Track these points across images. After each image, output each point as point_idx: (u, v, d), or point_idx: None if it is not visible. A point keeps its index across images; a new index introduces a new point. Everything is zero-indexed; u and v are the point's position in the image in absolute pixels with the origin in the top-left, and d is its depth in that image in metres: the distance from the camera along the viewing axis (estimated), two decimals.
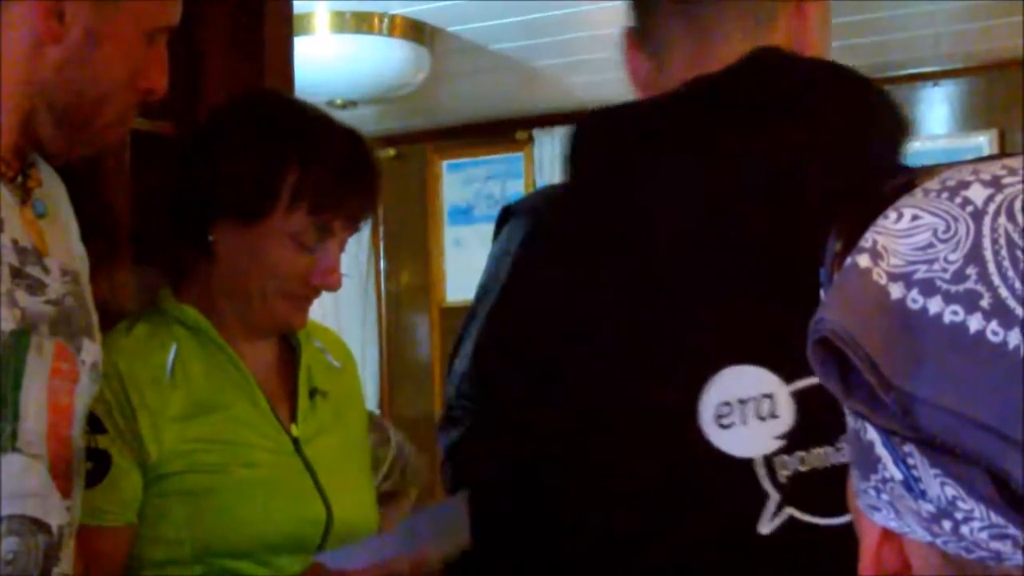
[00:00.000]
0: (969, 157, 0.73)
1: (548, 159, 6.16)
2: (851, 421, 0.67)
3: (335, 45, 4.49)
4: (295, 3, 2.36)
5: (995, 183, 0.63)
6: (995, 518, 0.59)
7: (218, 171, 1.70)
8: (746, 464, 1.40)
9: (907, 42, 4.92)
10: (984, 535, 0.60)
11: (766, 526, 1.39)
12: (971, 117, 5.39)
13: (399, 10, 4.49)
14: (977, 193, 0.63)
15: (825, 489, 1.31)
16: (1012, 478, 0.58)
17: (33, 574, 1.36)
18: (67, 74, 1.38)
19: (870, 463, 0.65)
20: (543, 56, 5.11)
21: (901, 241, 0.63)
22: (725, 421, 1.40)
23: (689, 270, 1.48)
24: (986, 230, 0.61)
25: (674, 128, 1.46)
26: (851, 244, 0.67)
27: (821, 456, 1.34)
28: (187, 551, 1.64)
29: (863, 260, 0.64)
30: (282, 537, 1.68)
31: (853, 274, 0.64)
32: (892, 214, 0.66)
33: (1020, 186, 0.62)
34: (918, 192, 0.67)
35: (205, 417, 1.68)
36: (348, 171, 1.72)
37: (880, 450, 0.64)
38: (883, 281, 0.63)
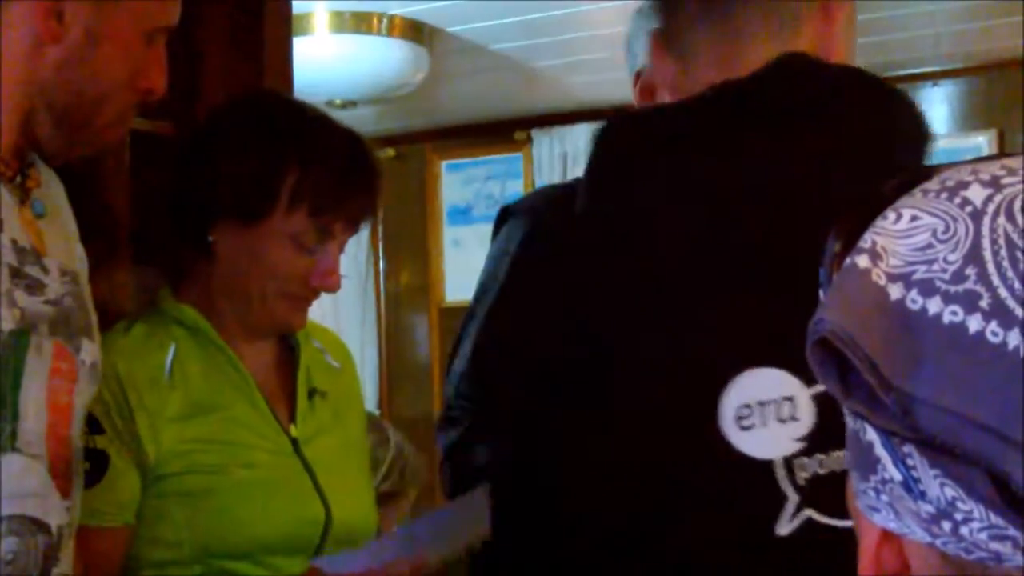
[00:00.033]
0: (968, 157, 0.73)
1: (547, 159, 6.16)
2: (850, 422, 0.67)
3: (334, 45, 4.49)
4: (294, 3, 2.36)
5: (994, 183, 0.63)
6: (995, 519, 0.59)
7: (218, 172, 1.70)
8: (765, 466, 1.40)
9: (907, 42, 4.93)
10: (984, 536, 0.60)
11: (785, 527, 1.40)
12: (971, 117, 5.40)
13: (398, 10, 4.49)
14: (976, 193, 0.63)
15: (843, 491, 1.32)
16: (1012, 479, 0.58)
17: (33, 574, 1.36)
18: (66, 74, 1.38)
19: (869, 464, 0.65)
20: (542, 56, 5.11)
21: (900, 242, 0.63)
22: (746, 423, 1.40)
23: (710, 272, 1.48)
24: (985, 230, 0.61)
25: (699, 132, 1.47)
26: (850, 245, 0.67)
27: (840, 459, 1.35)
28: (186, 552, 1.64)
29: (862, 261, 0.64)
30: (281, 538, 1.68)
31: (852, 275, 0.64)
32: (891, 215, 0.66)
33: (1019, 186, 0.62)
34: (917, 192, 0.67)
35: (204, 418, 1.68)
36: (348, 173, 1.72)
37: (879, 451, 0.64)
38: (882, 282, 0.63)
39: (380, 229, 6.56)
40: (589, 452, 1.74)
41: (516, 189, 6.25)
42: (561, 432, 1.83)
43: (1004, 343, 0.58)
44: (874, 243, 0.64)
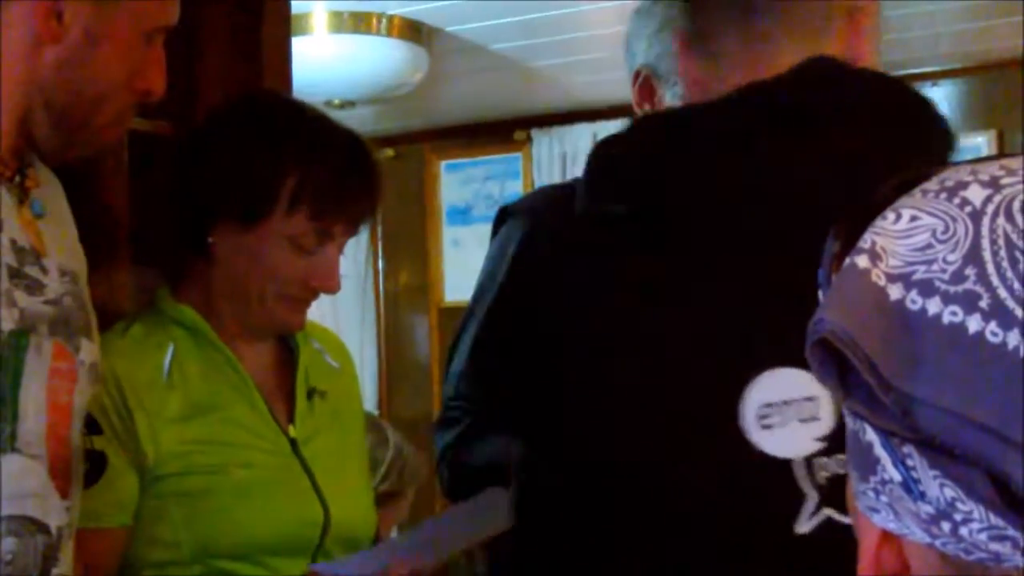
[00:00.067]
0: (968, 157, 0.73)
1: (546, 159, 6.16)
2: (850, 422, 0.67)
3: (333, 45, 4.49)
4: (293, 3, 2.36)
5: (993, 184, 0.63)
6: (994, 519, 0.59)
7: (217, 174, 1.70)
8: (784, 465, 1.41)
9: (907, 42, 4.92)
10: (983, 536, 0.60)
11: (804, 526, 1.41)
12: (970, 117, 5.39)
13: (397, 10, 4.48)
14: (975, 194, 0.63)
15: None
16: (1012, 480, 0.58)
17: (32, 574, 1.36)
18: (65, 74, 1.37)
19: (869, 464, 0.65)
20: (541, 56, 5.11)
21: (900, 242, 0.63)
22: (767, 422, 1.41)
23: (733, 272, 1.49)
24: (985, 231, 0.61)
25: (725, 133, 1.47)
26: (850, 245, 0.67)
27: None
28: (184, 552, 1.64)
29: (862, 261, 0.64)
30: (280, 538, 1.68)
31: (852, 275, 0.64)
32: (891, 215, 0.66)
33: (1018, 186, 0.62)
34: (916, 193, 0.67)
35: (202, 418, 1.68)
36: (348, 174, 1.72)
37: (879, 451, 0.64)
38: (882, 282, 0.63)
39: (379, 229, 6.56)
40: (599, 452, 1.74)
41: (515, 189, 6.25)
42: (568, 432, 1.83)
43: (1004, 343, 0.58)
44: (874, 243, 0.64)
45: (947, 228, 0.62)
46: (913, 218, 0.64)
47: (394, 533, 2.96)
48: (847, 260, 0.65)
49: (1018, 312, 0.58)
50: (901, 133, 1.44)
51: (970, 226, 0.62)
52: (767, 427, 1.41)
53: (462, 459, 1.94)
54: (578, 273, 1.89)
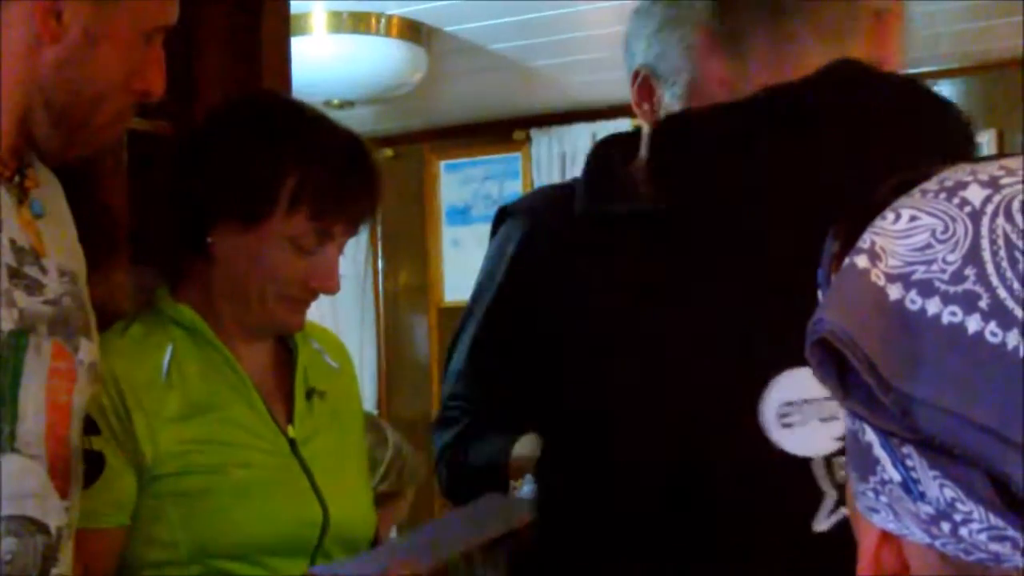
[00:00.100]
0: None
1: (546, 159, 6.16)
2: (849, 422, 0.67)
3: (332, 45, 4.49)
4: (292, 3, 2.35)
5: (993, 184, 0.63)
6: (994, 520, 0.59)
7: (217, 174, 1.69)
8: (804, 463, 1.41)
9: (906, 42, 4.92)
10: (983, 537, 0.60)
11: (822, 524, 1.41)
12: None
13: (396, 10, 4.48)
14: (975, 194, 0.63)
15: None
16: (1012, 480, 0.58)
17: (32, 574, 1.36)
18: (65, 74, 1.37)
19: (869, 464, 0.65)
20: (541, 56, 5.11)
21: (899, 242, 0.63)
22: (787, 421, 1.41)
23: (752, 272, 1.49)
24: (984, 231, 0.61)
25: (748, 134, 1.48)
26: (849, 245, 0.67)
27: None
28: (182, 552, 1.64)
29: (861, 261, 0.64)
30: (278, 538, 1.68)
31: (851, 275, 0.64)
32: (890, 215, 0.65)
33: (1018, 187, 0.62)
34: (916, 193, 0.67)
35: (201, 418, 1.68)
36: (348, 175, 1.72)
37: (879, 451, 0.64)
38: (881, 282, 0.63)
39: (379, 229, 6.56)
40: (601, 451, 1.74)
41: (515, 189, 6.25)
42: (569, 432, 1.83)
43: (1003, 343, 0.58)
44: (873, 243, 0.64)
45: (947, 228, 0.62)
46: (912, 218, 0.64)
47: (393, 533, 2.96)
48: (846, 260, 0.65)
49: (1017, 312, 0.58)
50: (923, 137, 1.44)
51: (970, 226, 0.61)
52: (787, 426, 1.41)
53: (460, 459, 1.94)
54: (577, 273, 1.89)
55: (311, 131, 1.73)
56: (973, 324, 0.59)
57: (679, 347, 1.70)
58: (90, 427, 1.57)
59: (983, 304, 0.59)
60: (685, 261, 1.75)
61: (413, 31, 4.60)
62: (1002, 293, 0.59)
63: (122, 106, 1.44)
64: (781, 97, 1.46)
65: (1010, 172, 0.63)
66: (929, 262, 0.62)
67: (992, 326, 0.59)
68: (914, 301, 0.61)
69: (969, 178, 0.64)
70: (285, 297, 1.72)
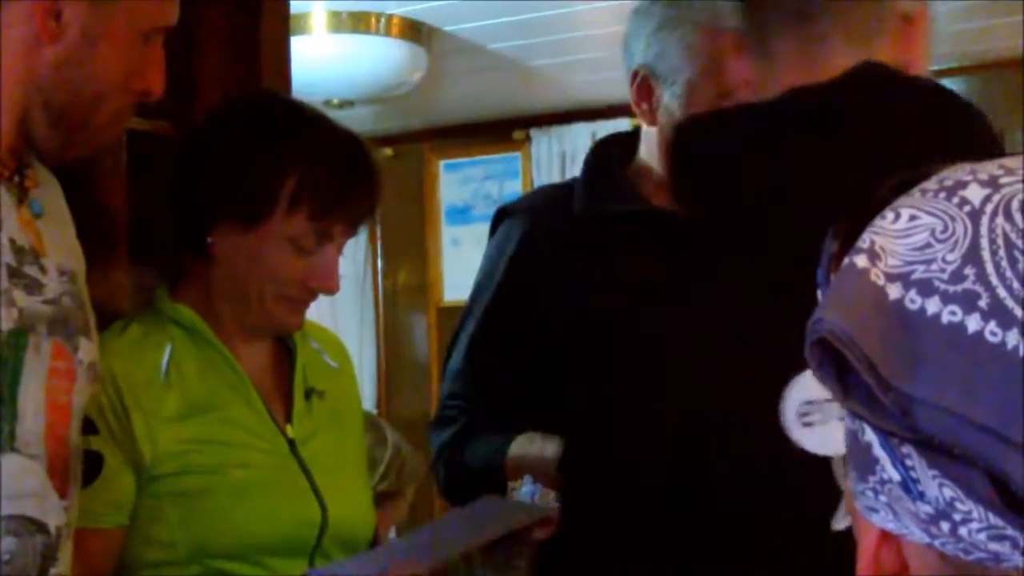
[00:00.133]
0: None
1: (545, 158, 6.15)
2: (849, 422, 0.67)
3: (332, 45, 4.49)
4: (292, 3, 2.35)
5: (992, 183, 0.63)
6: (994, 519, 0.59)
7: (217, 175, 1.69)
8: (824, 462, 1.42)
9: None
10: (982, 536, 0.60)
11: (841, 522, 1.42)
12: None
13: (396, 10, 4.48)
14: (974, 193, 0.63)
15: None
16: (1012, 480, 0.58)
17: (31, 574, 1.36)
18: (64, 74, 1.37)
19: (868, 464, 0.65)
20: (540, 55, 5.11)
21: (899, 241, 0.63)
22: (808, 419, 1.41)
23: (771, 272, 1.50)
24: (984, 230, 0.61)
25: (773, 134, 1.48)
26: (849, 244, 0.66)
27: None
28: (181, 552, 1.64)
29: (861, 260, 0.64)
30: (277, 538, 1.68)
31: (851, 274, 0.64)
32: (890, 214, 0.65)
33: (1017, 186, 0.62)
34: (915, 192, 0.67)
35: (200, 418, 1.68)
36: (348, 175, 1.71)
37: (878, 451, 0.64)
38: (881, 281, 0.63)
39: (378, 229, 6.56)
40: (604, 450, 1.74)
41: (515, 188, 6.25)
42: (570, 431, 1.83)
43: (1003, 343, 0.58)
44: (872, 243, 0.64)
45: (946, 227, 0.62)
46: (912, 217, 0.64)
47: (393, 533, 2.96)
48: (846, 260, 0.65)
49: (1017, 312, 0.58)
50: (949, 140, 1.44)
51: (969, 225, 0.61)
52: (808, 424, 1.41)
53: (458, 458, 1.94)
54: (576, 272, 1.89)
55: (311, 131, 1.73)
56: (973, 323, 0.59)
57: (679, 347, 1.70)
58: (89, 427, 1.57)
59: (983, 303, 0.59)
60: (687, 261, 1.75)
61: (413, 31, 4.60)
62: (1001, 292, 0.59)
63: (121, 106, 1.44)
64: (808, 98, 1.46)
65: (1009, 171, 0.63)
66: (929, 261, 0.62)
67: (992, 325, 0.59)
68: (914, 300, 0.61)
69: (968, 177, 0.64)
70: (284, 297, 1.71)
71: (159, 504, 1.64)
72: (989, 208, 0.62)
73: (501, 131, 6.26)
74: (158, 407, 1.65)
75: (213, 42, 2.17)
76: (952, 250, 0.61)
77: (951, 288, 0.60)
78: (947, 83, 5.18)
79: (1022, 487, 0.58)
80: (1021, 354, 0.58)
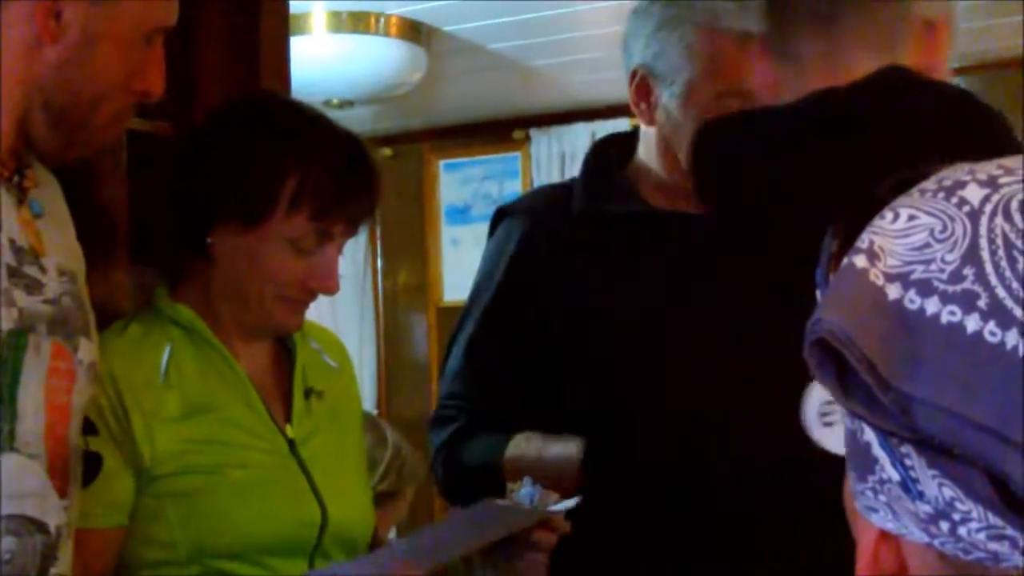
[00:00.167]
0: None
1: (545, 158, 6.15)
2: (848, 422, 0.67)
3: (331, 45, 4.49)
4: (291, 2, 2.35)
5: (991, 183, 0.63)
6: (993, 519, 0.59)
7: (217, 175, 1.69)
8: (843, 461, 1.43)
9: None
10: (982, 536, 0.60)
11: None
12: None
13: (396, 10, 4.48)
14: (973, 193, 0.63)
15: None
16: (1011, 479, 0.58)
17: (31, 574, 1.36)
18: (64, 74, 1.37)
19: (867, 464, 0.65)
20: (540, 55, 5.11)
21: (898, 241, 0.63)
22: (828, 419, 1.42)
23: (789, 272, 1.51)
24: (983, 230, 0.61)
25: (793, 138, 1.48)
26: (848, 244, 0.66)
27: None
28: (181, 552, 1.64)
29: (860, 260, 0.64)
30: (277, 538, 1.68)
31: (850, 274, 0.64)
32: (889, 214, 0.65)
33: (1017, 186, 0.62)
34: (915, 192, 0.67)
35: (199, 418, 1.67)
36: (348, 175, 1.71)
37: (877, 451, 0.64)
38: (880, 281, 0.63)
39: (378, 229, 6.56)
40: (609, 452, 1.74)
41: (514, 188, 6.25)
42: (571, 431, 1.83)
43: (1002, 343, 0.58)
44: (872, 243, 0.64)
45: (945, 227, 0.62)
46: (911, 217, 0.64)
47: (392, 533, 2.96)
48: (845, 260, 0.65)
49: (1016, 312, 0.58)
50: (973, 144, 1.45)
51: (968, 225, 0.61)
52: (828, 424, 1.41)
53: (457, 458, 1.94)
54: (576, 272, 1.89)
55: (311, 131, 1.73)
56: (972, 323, 0.59)
57: (679, 346, 1.70)
58: (88, 427, 1.57)
59: (982, 303, 0.59)
60: (687, 260, 1.74)
61: (412, 31, 4.60)
62: (1001, 292, 0.59)
63: (121, 106, 1.44)
64: (831, 102, 1.47)
65: (1008, 171, 0.63)
66: (928, 261, 0.62)
67: (991, 325, 0.59)
68: (913, 300, 0.61)
69: (967, 177, 0.64)
70: (284, 298, 1.71)
71: (159, 504, 1.64)
72: (988, 208, 0.62)
73: (501, 131, 6.26)
74: (158, 407, 1.65)
75: (213, 42, 2.17)
76: (951, 250, 0.61)
77: (950, 288, 0.60)
78: None
79: (1022, 487, 0.58)
80: (1020, 354, 0.58)
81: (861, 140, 1.43)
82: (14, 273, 1.34)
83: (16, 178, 1.39)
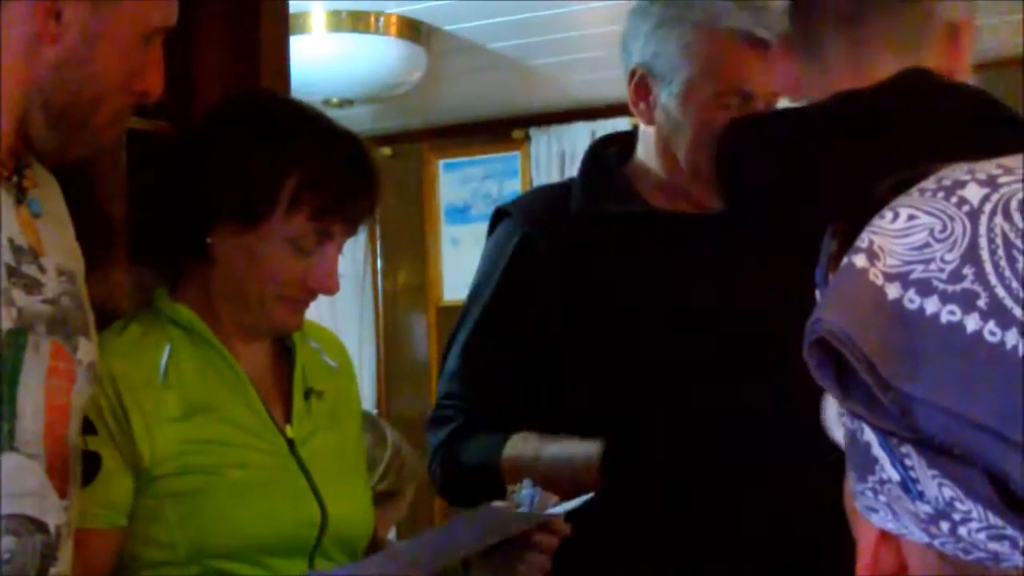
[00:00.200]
0: None
1: (545, 158, 6.15)
2: (848, 422, 0.67)
3: (331, 44, 4.49)
4: (291, 2, 2.35)
5: (991, 182, 0.63)
6: (993, 519, 0.59)
7: (217, 175, 1.69)
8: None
9: None
10: (982, 536, 0.60)
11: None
12: None
13: (395, 9, 4.48)
14: (973, 192, 0.63)
15: None
16: (1011, 479, 0.58)
17: (30, 574, 1.36)
18: (64, 74, 1.37)
19: (867, 464, 0.65)
20: (539, 55, 5.11)
21: (897, 241, 0.63)
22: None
23: (792, 270, 1.51)
24: (982, 230, 0.61)
25: (816, 137, 1.48)
26: (847, 244, 0.66)
27: None
28: (180, 552, 1.63)
29: (859, 260, 0.64)
30: (276, 538, 1.67)
31: (850, 274, 0.64)
32: (888, 214, 0.65)
33: (1016, 185, 0.62)
34: (914, 192, 0.67)
35: (199, 418, 1.67)
36: (348, 175, 1.71)
37: (877, 451, 0.64)
38: (880, 281, 0.63)
39: (378, 229, 6.55)
40: (611, 452, 1.74)
41: (514, 188, 6.25)
42: (572, 431, 1.83)
43: (1002, 343, 0.58)
44: (871, 242, 0.64)
45: (945, 227, 0.62)
46: (911, 217, 0.64)
47: (392, 533, 2.96)
48: (845, 259, 0.65)
49: (1016, 311, 0.58)
50: (992, 147, 1.45)
51: (968, 225, 0.61)
52: None
53: (454, 458, 1.94)
54: (575, 272, 1.89)
55: (311, 131, 1.72)
56: (972, 323, 0.59)
57: (679, 346, 1.70)
58: (87, 427, 1.57)
59: (981, 303, 0.59)
60: (685, 260, 1.74)
61: (412, 30, 4.60)
62: (1000, 292, 0.59)
63: (121, 107, 1.44)
64: (855, 102, 1.47)
65: (1008, 171, 0.63)
66: (927, 261, 0.61)
67: (991, 325, 0.59)
68: (912, 300, 0.61)
69: (967, 177, 0.64)
70: (284, 297, 1.71)
71: (158, 504, 1.64)
72: (988, 208, 0.62)
73: (500, 130, 6.25)
74: (157, 407, 1.65)
75: (212, 41, 2.17)
76: (951, 250, 0.61)
77: (950, 288, 0.60)
78: None
79: (1022, 487, 0.58)
80: (1020, 354, 0.58)
81: (886, 141, 1.43)
82: (13, 273, 1.34)
83: (15, 178, 1.39)
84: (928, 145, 1.43)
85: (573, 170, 2.12)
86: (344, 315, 6.23)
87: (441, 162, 6.49)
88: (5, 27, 1.35)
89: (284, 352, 1.81)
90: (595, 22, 4.55)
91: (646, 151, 1.98)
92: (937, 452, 0.60)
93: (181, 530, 1.64)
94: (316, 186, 1.68)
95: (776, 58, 1.75)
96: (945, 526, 0.61)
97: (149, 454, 1.63)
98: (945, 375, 0.59)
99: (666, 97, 1.91)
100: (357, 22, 4.49)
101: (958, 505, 0.60)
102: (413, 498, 2.82)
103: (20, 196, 1.39)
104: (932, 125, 1.42)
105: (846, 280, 0.64)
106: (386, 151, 6.24)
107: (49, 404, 1.38)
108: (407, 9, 4.48)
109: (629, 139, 2.05)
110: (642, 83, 1.94)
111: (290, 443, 1.73)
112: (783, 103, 1.78)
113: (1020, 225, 0.60)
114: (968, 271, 0.60)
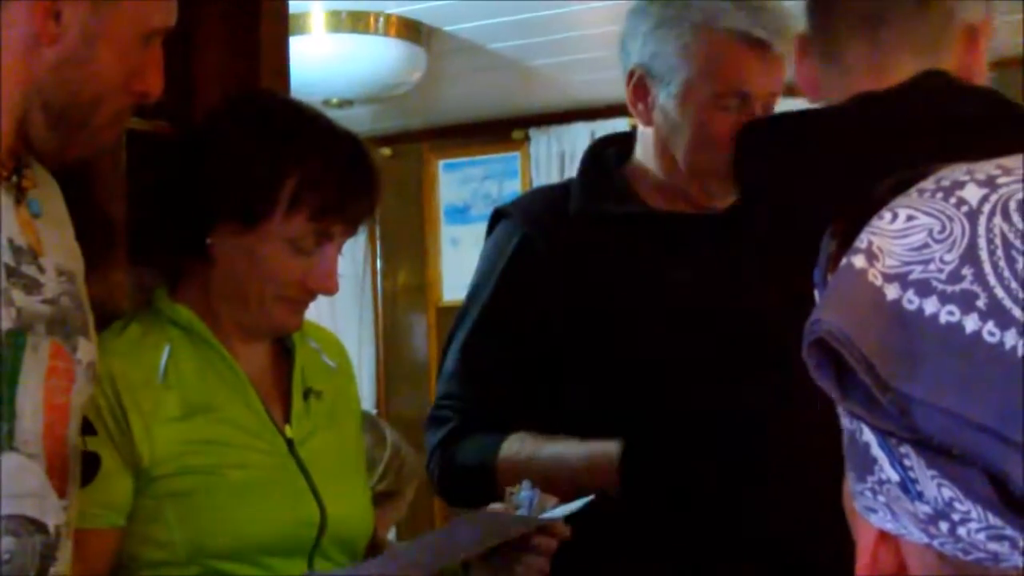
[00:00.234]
0: None
1: (544, 158, 6.15)
2: (847, 422, 0.67)
3: (331, 44, 4.49)
4: (291, 2, 2.35)
5: (990, 183, 0.63)
6: (992, 519, 0.59)
7: (217, 175, 1.69)
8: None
9: None
10: (981, 536, 0.60)
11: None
12: None
13: (395, 9, 4.48)
14: (972, 193, 0.63)
15: None
16: (1011, 479, 0.58)
17: (30, 574, 1.36)
18: (63, 74, 1.37)
19: (866, 464, 0.65)
20: (539, 55, 5.11)
21: (896, 242, 0.63)
22: None
23: (796, 271, 1.52)
24: (981, 230, 0.61)
25: (833, 139, 1.49)
26: (846, 245, 0.66)
27: None
28: (180, 553, 1.63)
29: (858, 261, 0.64)
30: (276, 538, 1.67)
31: (849, 275, 0.64)
32: (887, 214, 0.65)
33: (1015, 186, 0.62)
34: (913, 192, 0.67)
35: (198, 418, 1.67)
36: (348, 175, 1.71)
37: (876, 451, 0.64)
38: (879, 282, 0.63)
39: (377, 229, 6.55)
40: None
41: (514, 188, 6.25)
42: (573, 432, 1.83)
43: (1001, 343, 0.58)
44: (870, 243, 0.64)
45: (944, 228, 0.62)
46: (910, 218, 0.64)
47: (392, 533, 2.96)
48: (844, 260, 0.65)
49: (1015, 312, 0.58)
50: (1009, 150, 1.45)
51: (967, 226, 0.61)
52: None
53: (452, 458, 1.94)
54: (574, 272, 1.89)
55: (311, 131, 1.72)
56: (971, 324, 0.59)
57: (679, 346, 1.70)
58: (86, 427, 1.57)
59: (981, 304, 0.59)
60: (684, 261, 1.74)
61: (412, 30, 4.60)
62: (999, 292, 0.59)
63: (120, 107, 1.44)
64: (874, 104, 1.47)
65: (1007, 171, 0.63)
66: (926, 262, 0.61)
67: (990, 326, 0.59)
68: (911, 301, 0.61)
69: (966, 177, 0.64)
70: (284, 298, 1.71)
71: (158, 504, 1.64)
72: (987, 208, 0.62)
73: (500, 131, 6.25)
74: (156, 408, 1.65)
75: (212, 42, 2.17)
76: (950, 250, 0.61)
77: (949, 288, 0.60)
78: None
79: (1021, 487, 0.58)
80: (1019, 354, 0.58)
81: (904, 144, 1.43)
82: (13, 273, 1.34)
83: (15, 178, 1.39)
84: (946, 147, 1.43)
85: (573, 170, 2.12)
86: (344, 315, 6.23)
87: (441, 162, 6.49)
88: (5, 27, 1.35)
89: (283, 352, 1.81)
90: (595, 22, 4.55)
91: (645, 152, 1.98)
92: (936, 452, 0.60)
93: (180, 530, 1.64)
94: (316, 186, 1.68)
95: (785, 60, 1.75)
96: (944, 526, 0.61)
97: (148, 454, 1.63)
98: (944, 375, 0.59)
99: (664, 98, 1.91)
100: (357, 22, 4.49)
101: (957, 505, 0.60)
102: (413, 498, 2.82)
103: (20, 196, 1.39)
104: (950, 128, 1.42)
105: (845, 281, 0.64)
106: (386, 151, 6.24)
107: (48, 404, 1.38)
108: (407, 9, 4.48)
109: (628, 140, 2.05)
110: (640, 84, 1.94)
111: (289, 443, 1.73)
112: (795, 104, 1.78)
113: (1019, 226, 0.60)
114: (967, 271, 0.60)
